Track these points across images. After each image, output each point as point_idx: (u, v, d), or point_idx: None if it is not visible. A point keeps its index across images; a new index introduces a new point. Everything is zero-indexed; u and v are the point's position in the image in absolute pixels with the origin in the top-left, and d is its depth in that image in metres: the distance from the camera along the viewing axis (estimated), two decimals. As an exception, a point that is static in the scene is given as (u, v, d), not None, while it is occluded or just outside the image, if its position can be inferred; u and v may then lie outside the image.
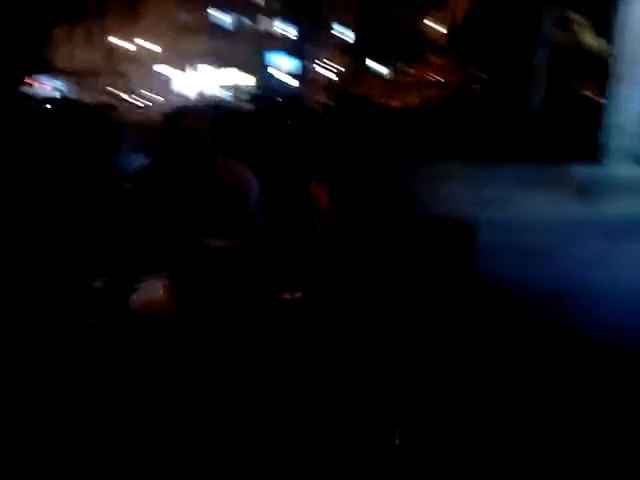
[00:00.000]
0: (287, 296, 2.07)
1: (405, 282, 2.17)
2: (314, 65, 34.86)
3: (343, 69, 43.11)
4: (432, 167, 8.85)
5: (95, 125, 6.45)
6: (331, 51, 44.77)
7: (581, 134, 11.64)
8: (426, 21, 32.18)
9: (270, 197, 2.26)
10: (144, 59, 44.75)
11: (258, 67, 45.52)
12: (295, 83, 42.31)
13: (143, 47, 44.79)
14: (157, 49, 44.83)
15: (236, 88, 44.92)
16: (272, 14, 43.94)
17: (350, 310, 2.02)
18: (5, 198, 3.12)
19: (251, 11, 44.52)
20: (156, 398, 1.80)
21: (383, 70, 41.01)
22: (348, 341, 1.97)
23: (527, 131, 13.65)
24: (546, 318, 3.91)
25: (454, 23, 25.78)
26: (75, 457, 1.74)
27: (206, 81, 47.03)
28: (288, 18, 42.26)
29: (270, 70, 44.85)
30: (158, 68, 45.68)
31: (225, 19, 45.12)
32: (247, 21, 45.01)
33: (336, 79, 44.99)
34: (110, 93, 39.81)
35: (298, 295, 2.08)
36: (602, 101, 10.33)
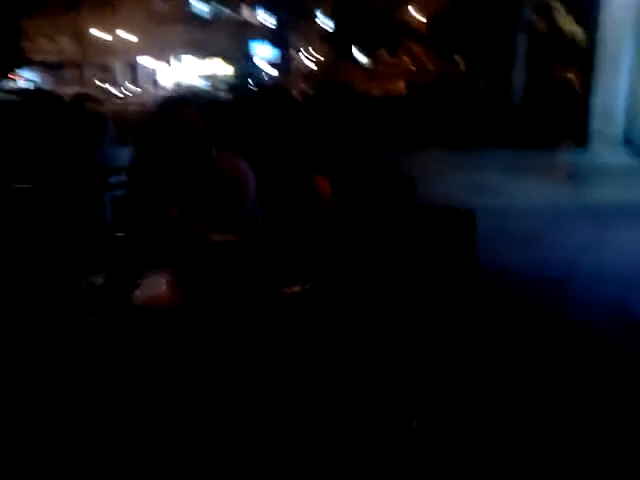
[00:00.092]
0: (290, 289, 2.03)
1: (409, 270, 2.14)
2: (295, 54, 34.66)
3: (324, 58, 42.93)
4: (418, 155, 8.83)
5: (72, 117, 6.34)
6: (312, 40, 44.54)
7: (565, 120, 11.70)
8: (406, 9, 32.08)
9: (272, 190, 2.22)
10: (121, 50, 44.18)
11: (238, 56, 45.15)
12: (275, 72, 42.08)
13: (120, 37, 44.19)
14: (134, 39, 44.23)
15: (214, 78, 44.56)
16: (252, 2, 43.51)
17: (357, 300, 1.99)
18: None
19: (230, -1, 44.03)
20: (162, 395, 1.76)
21: (364, 59, 40.92)
22: (357, 331, 1.94)
23: (511, 117, 13.69)
24: (546, 305, 3.92)
25: (434, 11, 25.72)
26: (78, 457, 1.70)
27: (184, 71, 46.61)
28: (269, 7, 41.89)
29: (250, 59, 44.53)
30: (136, 59, 45.16)
31: (203, 8, 44.51)
32: (226, 10, 44.50)
33: (317, 68, 44.82)
34: (89, 85, 39.28)
35: (302, 288, 2.04)
36: (585, 87, 10.35)
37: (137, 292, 2.03)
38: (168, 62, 46.29)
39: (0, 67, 23.95)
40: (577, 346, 3.30)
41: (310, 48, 46.16)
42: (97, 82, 40.16)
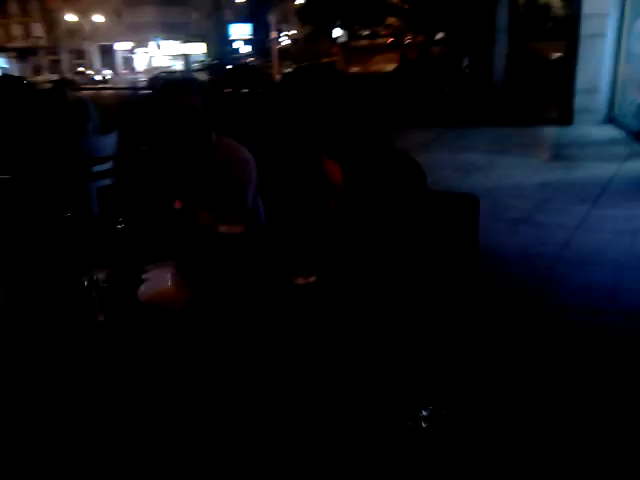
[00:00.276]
0: (305, 280, 1.98)
1: (418, 258, 2.10)
2: (274, 33, 34.23)
3: (303, 36, 42.46)
4: (401, 134, 8.77)
5: (52, 104, 6.17)
6: (291, 19, 43.99)
7: (549, 97, 11.70)
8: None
9: (280, 176, 2.16)
10: (96, 34, 43.30)
11: (211, 36, 44.47)
12: (254, 52, 41.55)
13: (94, 21, 43.27)
14: (109, 23, 43.37)
15: (187, 58, 43.92)
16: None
17: (368, 291, 1.95)
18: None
19: (204, -22, 43.30)
20: (176, 395, 1.71)
21: (343, 36, 40.58)
22: (366, 323, 1.90)
23: (493, 95, 13.66)
24: (540, 287, 3.92)
25: (413, -14, 25.55)
26: (82, 457, 1.65)
27: (160, 53, 45.86)
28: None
29: (227, 40, 43.91)
30: (112, 43, 44.31)
31: (177, -13, 43.79)
32: (201, -10, 43.80)
33: (296, 47, 44.35)
34: (66, 70, 38.51)
35: (313, 279, 2.00)
36: (569, 64, 10.32)
37: (142, 288, 1.98)
38: (144, 45, 45.51)
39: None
40: (571, 329, 3.31)
41: (288, 27, 45.62)
42: (79, 68, 39.39)
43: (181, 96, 2.44)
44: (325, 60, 35.10)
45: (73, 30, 42.98)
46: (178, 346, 1.80)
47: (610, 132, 9.27)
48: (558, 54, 13.39)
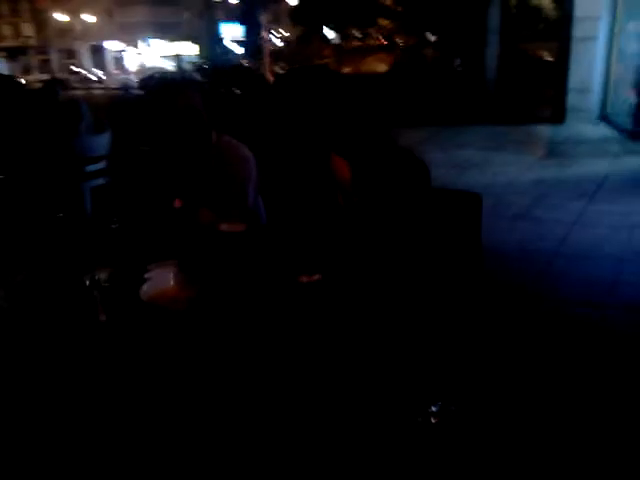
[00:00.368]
0: (305, 279, 1.96)
1: (423, 255, 2.09)
2: (265, 34, 34.19)
3: (295, 37, 42.45)
4: (396, 134, 8.76)
5: (44, 104, 6.11)
6: (282, 19, 43.95)
7: (542, 96, 11.74)
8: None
9: (287, 175, 2.13)
10: (87, 34, 43.09)
11: (203, 36, 44.33)
12: (245, 52, 41.46)
13: (85, 21, 43.08)
14: (100, 23, 43.16)
15: (179, 58, 43.79)
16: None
17: (374, 288, 1.93)
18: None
19: (195, -22, 43.14)
20: (182, 396, 1.68)
21: (334, 36, 40.60)
22: (372, 320, 1.88)
23: (485, 94, 13.70)
24: (540, 282, 3.93)
25: (405, -14, 25.58)
26: (86, 457, 1.62)
27: (151, 53, 45.70)
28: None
29: (219, 40, 43.78)
30: (102, 43, 44.09)
31: (168, -13, 43.57)
32: (193, -10, 43.62)
33: (288, 47, 44.33)
34: (57, 70, 38.30)
35: (317, 277, 1.98)
36: (561, 63, 10.37)
37: (144, 287, 1.95)
38: (135, 45, 45.34)
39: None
40: (573, 323, 3.31)
41: (280, 28, 45.58)
42: (73, 68, 39.13)
43: (181, 95, 2.44)
44: (317, 61, 35.08)
45: (63, 30, 42.76)
46: (181, 346, 1.77)
47: (602, 130, 9.32)
48: (549, 55, 13.45)
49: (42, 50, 42.13)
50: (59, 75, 32.45)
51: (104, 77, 37.11)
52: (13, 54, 38.48)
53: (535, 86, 12.85)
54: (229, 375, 1.72)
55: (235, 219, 2.33)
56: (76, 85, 29.23)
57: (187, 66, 39.82)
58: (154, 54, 45.38)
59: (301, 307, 1.90)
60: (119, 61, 45.17)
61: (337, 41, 40.79)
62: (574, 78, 10.00)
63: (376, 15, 37.41)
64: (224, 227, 2.22)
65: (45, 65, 40.94)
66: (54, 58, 42.64)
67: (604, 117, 10.02)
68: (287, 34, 47.99)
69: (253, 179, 2.51)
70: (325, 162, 1.96)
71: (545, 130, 9.54)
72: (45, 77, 27.81)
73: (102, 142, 5.59)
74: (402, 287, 1.98)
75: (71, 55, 43.27)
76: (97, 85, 32.07)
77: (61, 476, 1.57)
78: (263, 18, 34.77)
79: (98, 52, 44.46)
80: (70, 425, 1.61)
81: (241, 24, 41.65)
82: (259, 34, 36.07)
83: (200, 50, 44.57)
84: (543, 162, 7.47)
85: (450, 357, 2.06)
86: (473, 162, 7.41)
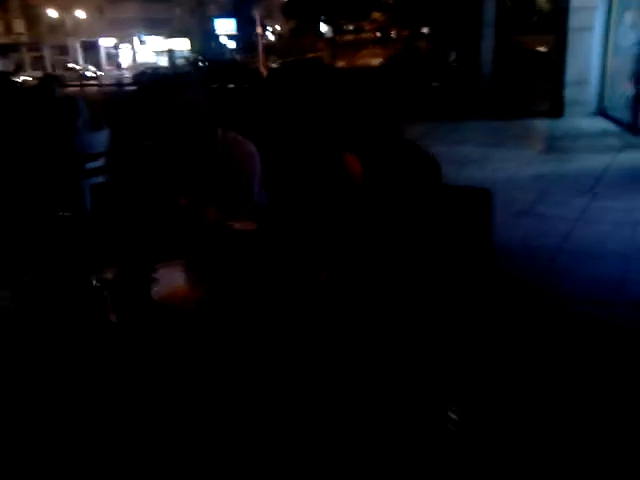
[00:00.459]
0: (320, 277, 1.94)
1: (435, 253, 2.06)
2: (259, 28, 34.05)
3: (289, 31, 42.28)
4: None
5: (41, 101, 6.05)
6: (276, 14, 43.75)
7: (539, 90, 11.72)
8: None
9: (298, 172, 2.10)
10: (80, 30, 42.79)
11: (196, 32, 44.13)
12: (240, 47, 41.31)
13: (78, 17, 42.76)
14: (92, 19, 42.86)
15: (171, 53, 43.59)
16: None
17: (388, 285, 1.90)
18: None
19: (188, -27, 42.93)
20: (190, 393, 1.66)
21: (329, 31, 40.47)
22: (386, 318, 1.85)
23: (481, 88, 13.66)
24: (545, 279, 3.91)
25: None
26: (97, 459, 1.60)
27: (145, 49, 45.47)
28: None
29: (212, 35, 43.59)
30: (97, 39, 43.83)
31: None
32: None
33: (282, 42, 44.15)
34: (53, 67, 38.01)
35: (325, 275, 1.95)
36: (558, 57, 10.36)
37: (155, 287, 1.92)
38: (128, 41, 45.07)
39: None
40: (579, 322, 3.29)
41: (273, 22, 45.39)
42: (69, 64, 38.82)
43: (186, 90, 2.42)
44: (310, 55, 34.99)
45: (55, 26, 42.45)
46: (191, 346, 1.75)
47: (601, 124, 9.30)
48: (545, 47, 13.42)
49: (34, 47, 41.82)
50: (58, 72, 32.18)
51: (101, 73, 36.84)
52: (5, 51, 38.15)
53: (532, 79, 12.82)
54: (241, 376, 1.69)
55: (242, 216, 2.31)
56: (73, 82, 29.03)
57: (180, 62, 39.64)
58: (147, 50, 45.16)
59: (312, 306, 1.88)
60: (112, 57, 44.91)
61: (330, 35, 40.68)
62: (571, 70, 9.99)
63: (369, 8, 37.27)
64: (237, 225, 2.19)
65: (38, 62, 40.64)
66: (47, 55, 42.34)
67: (602, 110, 10.02)
68: (279, 28, 47.78)
69: (258, 175, 2.49)
70: (337, 159, 1.93)
71: (543, 124, 9.53)
72: (39, 74, 27.62)
73: (101, 139, 5.54)
74: (413, 284, 1.96)
75: (63, 51, 42.97)
76: (93, 82, 31.80)
77: (71, 476, 1.54)
78: (256, 12, 34.62)
79: (90, 48, 44.18)
80: (81, 428, 1.58)
81: (236, 20, 41.46)
82: (251, 28, 35.93)
83: (192, 45, 44.37)
84: (543, 157, 7.44)
85: (463, 358, 2.04)
86: (472, 158, 7.38)
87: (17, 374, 1.70)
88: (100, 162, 5.41)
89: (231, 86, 21.98)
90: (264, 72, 27.65)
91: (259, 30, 34.63)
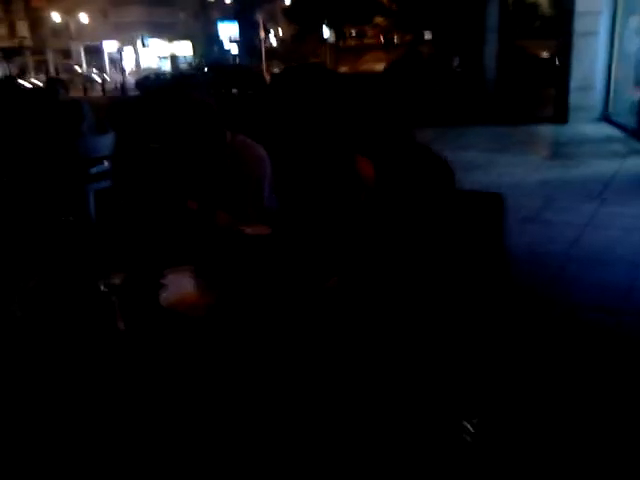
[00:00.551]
0: (331, 283, 1.90)
1: (448, 258, 2.03)
2: (262, 33, 34.14)
3: (291, 36, 42.38)
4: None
5: (45, 104, 6.04)
6: (279, 18, 43.87)
7: (540, 94, 11.71)
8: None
9: (308, 176, 2.07)
10: (83, 34, 42.93)
11: (199, 36, 44.27)
12: (243, 52, 41.40)
13: (81, 21, 42.90)
14: (96, 23, 42.97)
15: (174, 58, 43.76)
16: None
17: (402, 292, 1.87)
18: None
19: (191, -22, 43.04)
20: (199, 401, 1.63)
21: (331, 36, 40.56)
22: (402, 325, 1.82)
23: (485, 94, 13.67)
24: (552, 286, 3.88)
25: (402, -15, 25.55)
26: (104, 465, 1.57)
27: (148, 54, 45.58)
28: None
29: (216, 40, 43.70)
30: (100, 43, 43.95)
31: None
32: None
33: (285, 46, 44.26)
34: (48, 69, 38.11)
35: (333, 281, 1.92)
36: (563, 62, 10.33)
37: (163, 293, 1.89)
38: (132, 45, 45.18)
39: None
40: (587, 330, 3.26)
41: (275, 27, 45.51)
42: (75, 68, 38.90)
43: (195, 93, 2.39)
44: (313, 60, 35.08)
45: (59, 30, 42.59)
46: (200, 354, 1.72)
47: (606, 130, 9.27)
48: (549, 52, 13.41)
49: (38, 50, 41.94)
50: (62, 76, 32.19)
51: (107, 78, 36.81)
52: (8, 55, 38.25)
53: (536, 85, 12.82)
54: (251, 383, 1.66)
55: (252, 220, 2.29)
56: (75, 83, 29.02)
57: (184, 66, 39.78)
58: (151, 54, 45.28)
59: (321, 313, 1.85)
60: (116, 62, 45.01)
61: (332, 39, 40.78)
62: (576, 75, 9.96)
63: (372, 13, 37.34)
64: (249, 230, 2.17)
65: (41, 66, 40.75)
66: (50, 58, 42.45)
67: (606, 116, 9.99)
68: (281, 33, 47.89)
69: (268, 178, 2.47)
70: (349, 162, 1.90)
71: (548, 130, 9.50)
72: (43, 78, 27.68)
73: (105, 142, 5.53)
74: (426, 289, 1.93)
75: (67, 55, 43.11)
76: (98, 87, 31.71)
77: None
78: (259, 17, 34.70)
79: (93, 52, 44.30)
80: (89, 434, 1.56)
81: (240, 24, 41.57)
82: (256, 33, 36.02)
83: (195, 50, 44.50)
84: (548, 163, 7.42)
85: (477, 366, 2.00)
86: (476, 163, 7.34)
87: (23, 380, 1.67)
88: (105, 166, 5.40)
89: (235, 91, 22.05)
90: (267, 77, 27.71)
91: (262, 34, 34.71)
